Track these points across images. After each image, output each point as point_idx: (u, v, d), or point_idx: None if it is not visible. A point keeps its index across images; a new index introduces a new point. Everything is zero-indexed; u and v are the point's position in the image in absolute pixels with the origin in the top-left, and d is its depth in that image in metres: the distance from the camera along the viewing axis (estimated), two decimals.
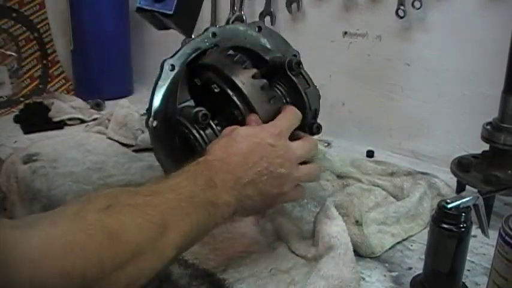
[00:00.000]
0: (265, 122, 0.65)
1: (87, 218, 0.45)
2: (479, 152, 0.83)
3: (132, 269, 0.47)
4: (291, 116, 0.67)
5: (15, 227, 0.42)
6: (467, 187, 0.80)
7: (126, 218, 0.48)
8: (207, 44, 0.75)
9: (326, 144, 1.08)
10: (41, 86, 1.45)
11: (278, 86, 0.73)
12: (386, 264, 0.66)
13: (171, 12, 0.81)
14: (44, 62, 1.46)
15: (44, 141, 1.06)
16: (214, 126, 0.68)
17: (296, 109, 0.69)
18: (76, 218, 0.45)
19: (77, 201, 0.48)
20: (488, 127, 0.78)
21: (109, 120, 1.11)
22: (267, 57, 0.74)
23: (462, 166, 0.81)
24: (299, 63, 0.72)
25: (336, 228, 0.64)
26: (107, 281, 0.45)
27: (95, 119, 1.22)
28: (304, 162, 0.65)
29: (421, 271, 0.61)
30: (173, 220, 0.51)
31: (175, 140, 0.72)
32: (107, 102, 1.36)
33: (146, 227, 0.49)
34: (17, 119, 1.24)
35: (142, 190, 0.52)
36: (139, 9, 0.84)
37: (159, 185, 0.54)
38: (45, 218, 0.45)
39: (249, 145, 0.60)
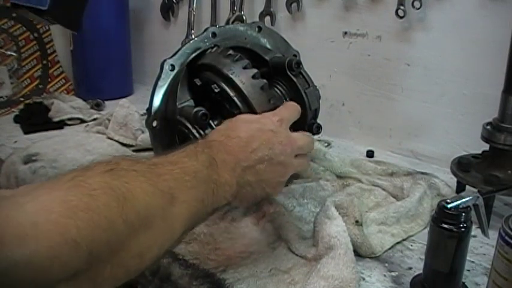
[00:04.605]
0: None
1: (89, 181, 0.41)
2: (479, 152, 0.83)
3: (144, 236, 0.44)
4: (290, 108, 0.68)
5: (8, 196, 0.38)
6: (467, 187, 0.80)
7: (132, 181, 0.44)
8: (207, 44, 0.75)
9: (326, 144, 1.08)
10: (41, 86, 1.45)
11: (278, 86, 0.73)
12: (386, 264, 0.66)
13: (45, 8, 0.75)
14: (44, 62, 1.46)
15: (44, 141, 1.06)
16: (214, 126, 0.68)
17: (295, 103, 0.69)
18: (77, 181, 0.41)
19: (75, 169, 0.44)
20: (488, 127, 0.78)
21: (109, 120, 1.11)
22: (267, 57, 0.74)
23: (462, 166, 0.81)
24: (299, 63, 0.72)
25: (336, 228, 0.64)
26: (117, 248, 0.41)
27: (95, 119, 1.22)
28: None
29: (421, 271, 0.61)
30: (178, 192, 0.49)
31: (175, 140, 0.72)
32: (107, 102, 1.36)
33: (154, 192, 0.46)
34: (17, 119, 1.24)
35: (143, 160, 0.50)
36: (14, 5, 0.76)
37: (159, 159, 0.52)
38: (41, 186, 0.41)
39: (249, 130, 0.60)
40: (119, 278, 0.43)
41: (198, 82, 0.70)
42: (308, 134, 0.69)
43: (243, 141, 0.59)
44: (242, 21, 1.20)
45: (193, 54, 0.73)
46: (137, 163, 0.48)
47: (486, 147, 0.81)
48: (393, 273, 0.64)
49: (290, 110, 0.67)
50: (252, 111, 0.66)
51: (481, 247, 0.70)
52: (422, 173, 0.86)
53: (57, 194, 0.39)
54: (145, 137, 1.01)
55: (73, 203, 0.39)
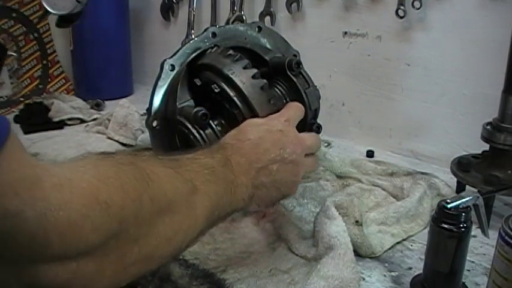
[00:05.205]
0: None
1: (117, 158, 0.42)
2: (479, 152, 0.83)
3: (169, 220, 0.44)
4: (294, 108, 0.68)
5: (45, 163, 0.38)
6: (467, 187, 0.80)
7: (157, 166, 0.45)
8: (207, 44, 0.75)
9: (326, 144, 1.08)
10: (41, 86, 1.45)
11: (278, 86, 0.73)
12: (386, 264, 0.66)
13: None
14: (44, 62, 1.46)
15: (44, 141, 1.06)
16: (214, 126, 0.68)
17: (299, 103, 0.69)
18: (106, 157, 0.42)
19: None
20: (488, 127, 0.78)
21: (109, 120, 1.11)
22: (267, 57, 0.74)
23: (462, 166, 0.81)
24: (299, 63, 0.72)
25: (336, 228, 0.64)
26: (145, 227, 0.41)
27: (95, 119, 1.22)
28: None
29: (421, 271, 0.61)
30: (200, 183, 0.49)
31: (175, 140, 0.72)
32: (107, 102, 1.36)
33: (178, 178, 0.46)
34: (17, 119, 1.23)
35: (162, 154, 0.51)
36: None
37: (177, 156, 0.52)
38: (69, 160, 0.41)
39: (259, 132, 0.60)
40: (146, 262, 0.43)
41: (198, 82, 0.70)
42: (315, 134, 0.70)
43: (254, 143, 0.59)
44: (242, 21, 1.20)
45: (193, 54, 0.73)
46: (158, 154, 0.50)
47: (486, 147, 0.81)
48: (393, 273, 0.64)
49: (294, 110, 0.67)
50: (252, 111, 0.66)
51: (481, 247, 0.70)
52: (422, 173, 0.86)
53: (90, 161, 0.40)
54: (145, 137, 1.01)
55: (103, 169, 0.39)
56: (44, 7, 0.87)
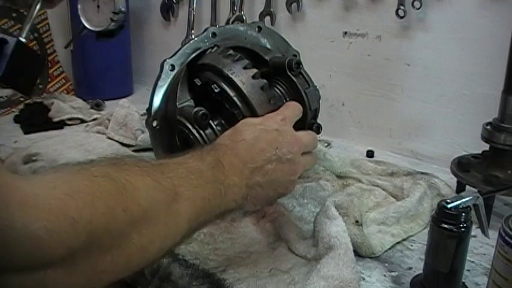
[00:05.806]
0: None
1: (92, 170, 0.42)
2: (479, 152, 0.83)
3: (146, 229, 0.44)
4: (292, 107, 0.68)
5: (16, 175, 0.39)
6: (467, 187, 0.80)
7: (135, 175, 0.45)
8: (207, 44, 0.75)
9: (326, 144, 1.08)
10: (41, 86, 1.45)
11: (278, 86, 0.73)
12: (386, 264, 0.66)
13: None
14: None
15: (44, 141, 1.06)
16: (214, 126, 0.68)
17: (297, 103, 0.69)
18: (81, 169, 0.42)
19: (82, 161, 0.45)
20: (488, 127, 0.78)
21: (109, 120, 1.11)
22: (267, 57, 0.74)
23: (462, 166, 0.81)
24: (299, 63, 0.72)
25: (336, 229, 0.64)
26: (118, 238, 0.42)
27: (95, 119, 1.22)
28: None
29: (421, 271, 0.61)
30: (183, 189, 0.49)
31: (175, 140, 0.72)
32: (107, 102, 1.36)
33: (156, 187, 0.46)
34: (17, 119, 1.24)
35: (147, 160, 0.51)
36: None
37: (165, 160, 0.52)
38: (46, 171, 0.42)
39: (254, 132, 0.60)
40: (120, 269, 0.44)
41: (198, 82, 0.70)
42: (311, 131, 0.70)
43: (248, 143, 0.59)
44: (242, 21, 1.21)
45: (193, 54, 0.73)
46: (141, 161, 0.49)
47: (486, 147, 0.81)
48: (393, 273, 0.64)
49: (292, 109, 0.67)
50: (252, 111, 0.66)
51: (481, 247, 0.70)
52: (422, 173, 0.86)
53: (62, 175, 0.41)
54: (145, 137, 1.01)
55: (75, 183, 0.40)
56: (82, 23, 0.90)
